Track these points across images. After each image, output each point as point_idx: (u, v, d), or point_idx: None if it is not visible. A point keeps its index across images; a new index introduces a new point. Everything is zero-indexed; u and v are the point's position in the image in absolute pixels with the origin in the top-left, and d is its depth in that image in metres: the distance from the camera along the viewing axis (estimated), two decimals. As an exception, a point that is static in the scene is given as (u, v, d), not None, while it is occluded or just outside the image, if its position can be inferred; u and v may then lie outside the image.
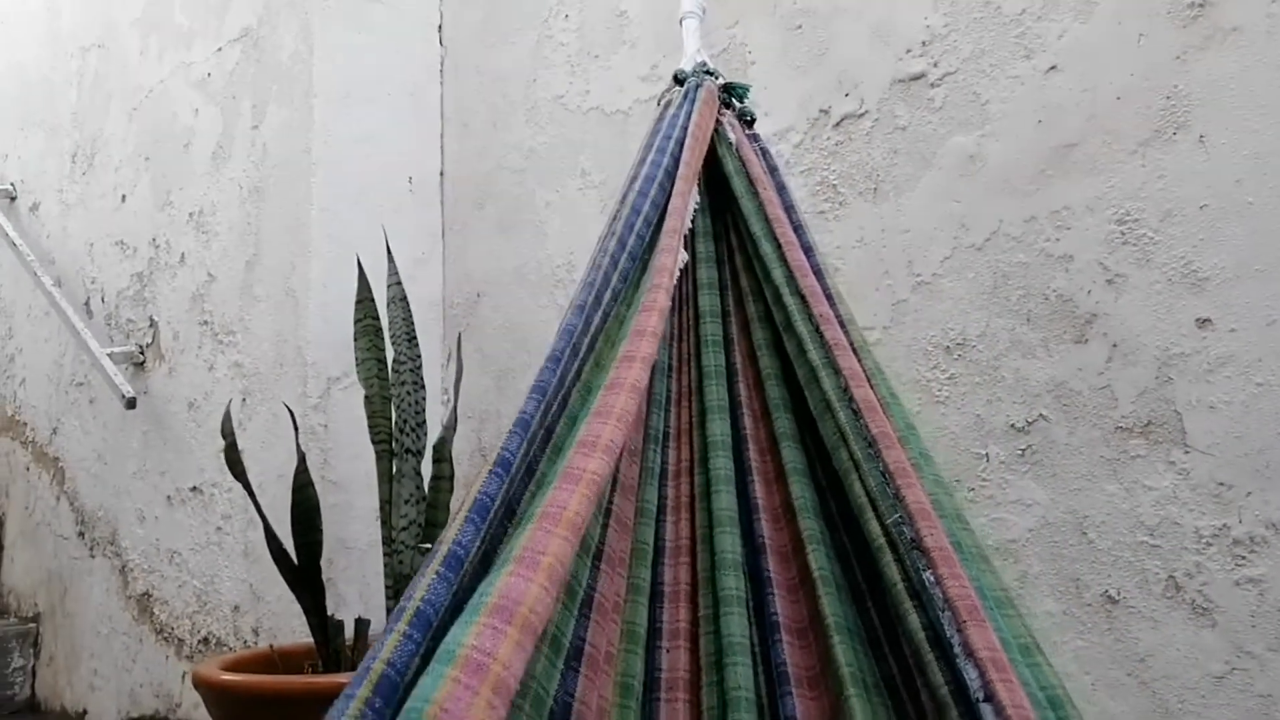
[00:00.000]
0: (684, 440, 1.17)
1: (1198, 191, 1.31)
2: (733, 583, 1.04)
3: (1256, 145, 1.26)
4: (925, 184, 1.56)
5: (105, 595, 2.67)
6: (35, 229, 3.23)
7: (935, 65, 1.57)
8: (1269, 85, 1.26)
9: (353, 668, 1.79)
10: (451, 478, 1.86)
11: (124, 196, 2.81)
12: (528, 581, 0.69)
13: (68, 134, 3.12)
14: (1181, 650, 1.27)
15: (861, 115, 1.65)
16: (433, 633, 0.71)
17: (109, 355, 2.59)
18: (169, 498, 2.47)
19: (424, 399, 1.88)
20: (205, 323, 2.43)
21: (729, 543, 1.06)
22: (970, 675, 0.87)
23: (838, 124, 1.67)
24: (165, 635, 2.43)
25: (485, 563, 0.79)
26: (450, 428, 1.88)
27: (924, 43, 1.58)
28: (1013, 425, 1.43)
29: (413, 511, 1.82)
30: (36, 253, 3.08)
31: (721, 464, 1.12)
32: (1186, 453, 1.29)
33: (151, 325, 2.63)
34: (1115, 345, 1.36)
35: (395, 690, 0.66)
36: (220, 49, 2.50)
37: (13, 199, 3.38)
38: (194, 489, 2.39)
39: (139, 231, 2.73)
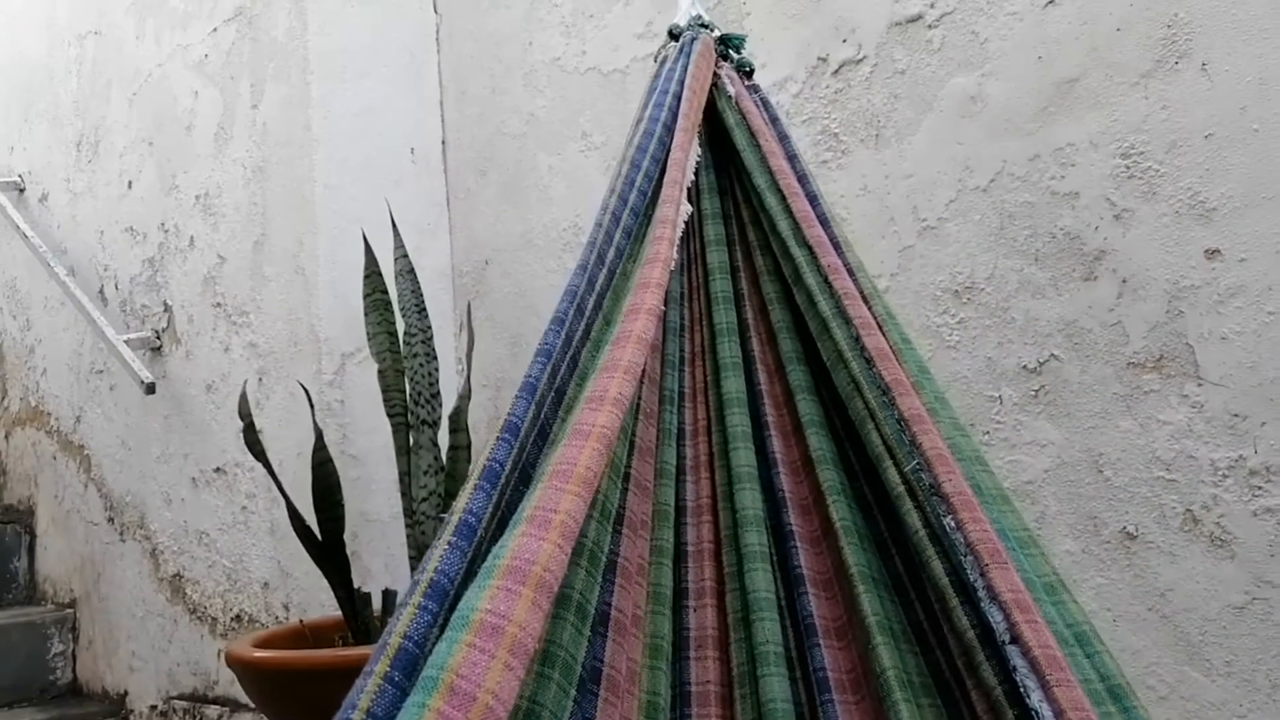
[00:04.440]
0: (699, 399, 1.17)
1: (1202, 121, 1.29)
2: (755, 538, 1.04)
3: (1260, 70, 1.24)
4: (927, 127, 1.55)
5: (138, 578, 2.70)
6: (46, 219, 3.24)
7: (932, 6, 1.54)
8: (1270, 8, 1.24)
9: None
10: (469, 447, 1.87)
11: (130, 183, 2.81)
12: (540, 540, 0.69)
13: (70, 123, 3.12)
14: (1201, 583, 1.27)
15: (860, 61, 1.63)
16: (449, 602, 0.70)
17: (125, 342, 2.61)
18: (194, 480, 2.50)
19: (437, 370, 1.88)
20: (218, 305, 2.44)
21: (750, 499, 1.07)
22: (995, 618, 0.88)
23: (836, 71, 1.66)
24: (199, 615, 2.47)
25: (501, 528, 0.78)
26: (465, 397, 1.89)
27: (919, -16, 1.56)
28: (1024, 366, 1.43)
29: (432, 482, 1.83)
30: (48, 243, 3.09)
31: (738, 420, 1.12)
32: (1200, 385, 1.28)
33: (166, 310, 2.64)
34: (1125, 281, 1.35)
35: (414, 662, 0.65)
36: (215, 29, 2.49)
37: (21, 190, 3.39)
38: (217, 470, 2.42)
39: (147, 217, 2.73)
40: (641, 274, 1.01)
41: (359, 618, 1.83)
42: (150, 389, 2.48)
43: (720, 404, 1.14)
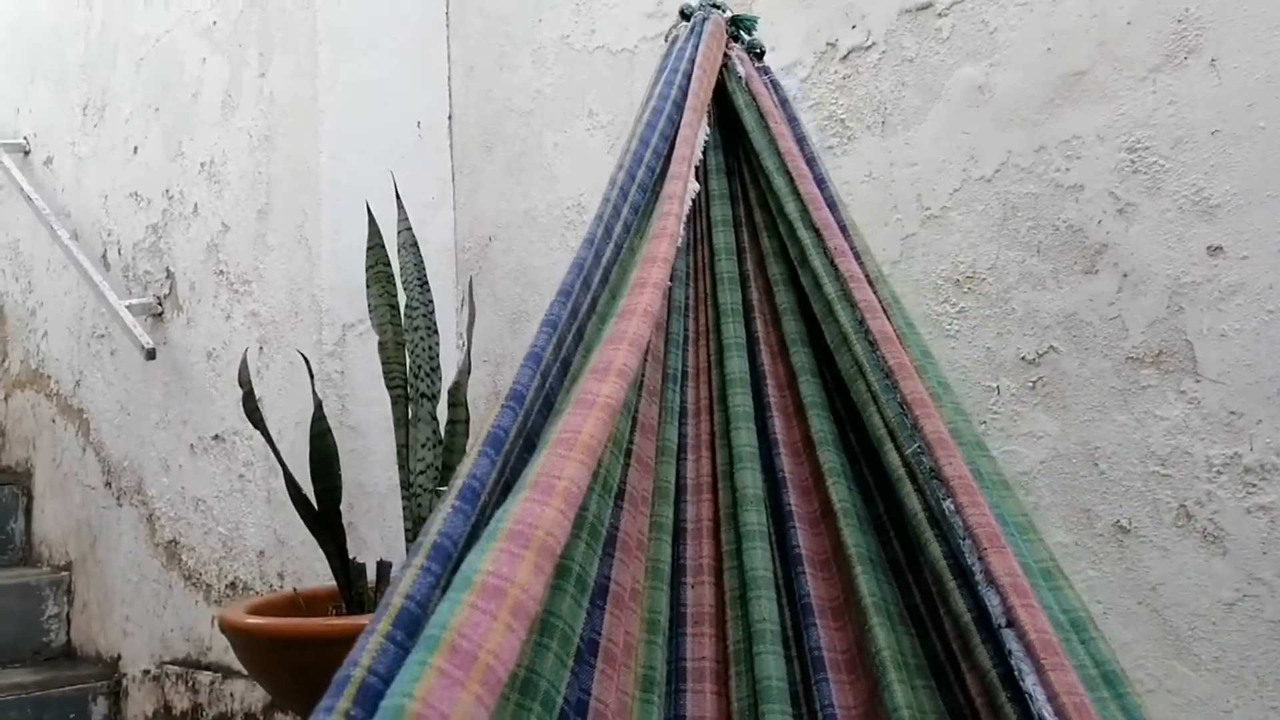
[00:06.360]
0: (703, 378, 1.18)
1: (1209, 117, 1.29)
2: (754, 518, 1.05)
3: (1269, 68, 1.24)
4: (933, 116, 1.54)
5: (134, 543, 2.72)
6: (50, 182, 3.24)
7: (943, -6, 1.54)
8: (1282, 6, 1.23)
9: (375, 609, 1.83)
10: (467, 421, 1.87)
11: (135, 148, 2.81)
12: (544, 505, 0.69)
13: (76, 86, 3.12)
14: (1192, 578, 1.28)
15: (869, 47, 1.62)
16: (452, 564, 0.71)
17: (128, 307, 2.61)
18: (192, 446, 2.51)
19: (437, 344, 1.88)
20: (221, 272, 2.45)
21: (750, 478, 1.07)
22: (992, 601, 0.89)
23: (845, 57, 1.65)
24: (194, 581, 2.48)
25: (505, 493, 0.79)
26: (465, 371, 1.89)
27: (931, -29, 1.55)
28: (1023, 358, 1.43)
29: (429, 455, 1.84)
30: (52, 206, 3.09)
31: (740, 401, 1.13)
32: (1197, 381, 1.29)
33: (168, 276, 2.64)
34: (1126, 275, 1.35)
35: (417, 622, 0.66)
36: (224, -4, 2.49)
37: (26, 153, 3.38)
38: (216, 437, 2.42)
39: (152, 183, 2.73)
40: (648, 249, 1.01)
41: (353, 588, 1.84)
42: (151, 354, 2.48)
43: (723, 384, 1.15)
